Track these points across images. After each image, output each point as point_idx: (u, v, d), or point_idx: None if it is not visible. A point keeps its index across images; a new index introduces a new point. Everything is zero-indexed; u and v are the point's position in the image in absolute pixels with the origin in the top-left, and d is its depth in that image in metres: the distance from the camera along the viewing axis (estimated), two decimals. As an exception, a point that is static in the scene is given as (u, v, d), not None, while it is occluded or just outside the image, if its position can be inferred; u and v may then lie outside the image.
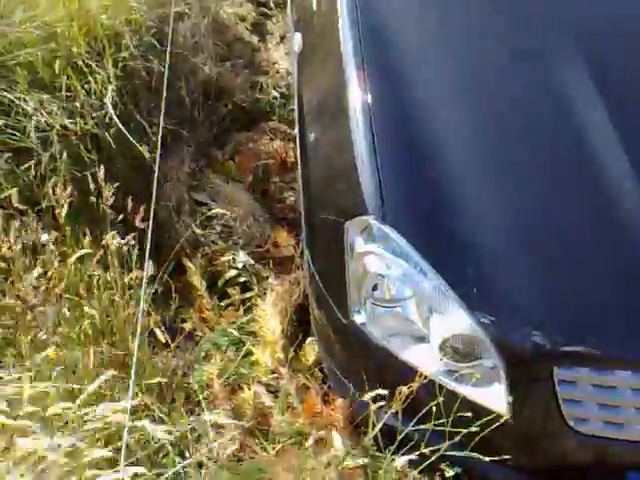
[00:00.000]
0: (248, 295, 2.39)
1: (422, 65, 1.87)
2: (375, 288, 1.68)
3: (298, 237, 2.61)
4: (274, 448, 1.81)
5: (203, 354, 2.15)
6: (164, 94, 2.72)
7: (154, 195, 2.11)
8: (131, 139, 2.42)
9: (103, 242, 2.07)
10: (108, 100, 2.34)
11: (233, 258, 2.48)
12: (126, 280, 2.11)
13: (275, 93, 3.18)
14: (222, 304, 2.37)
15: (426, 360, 1.63)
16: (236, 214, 2.60)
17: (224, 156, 2.87)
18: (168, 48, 2.71)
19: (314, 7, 2.29)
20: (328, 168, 1.91)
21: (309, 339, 2.06)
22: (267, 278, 2.49)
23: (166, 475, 1.62)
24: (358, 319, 1.71)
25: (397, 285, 1.65)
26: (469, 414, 1.55)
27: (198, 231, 2.58)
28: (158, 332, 1.96)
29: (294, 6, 2.89)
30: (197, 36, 3.05)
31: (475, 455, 1.56)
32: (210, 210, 2.61)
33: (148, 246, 2.01)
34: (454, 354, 1.61)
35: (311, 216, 1.95)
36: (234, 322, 2.28)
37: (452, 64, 1.88)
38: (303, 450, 1.72)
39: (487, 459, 1.56)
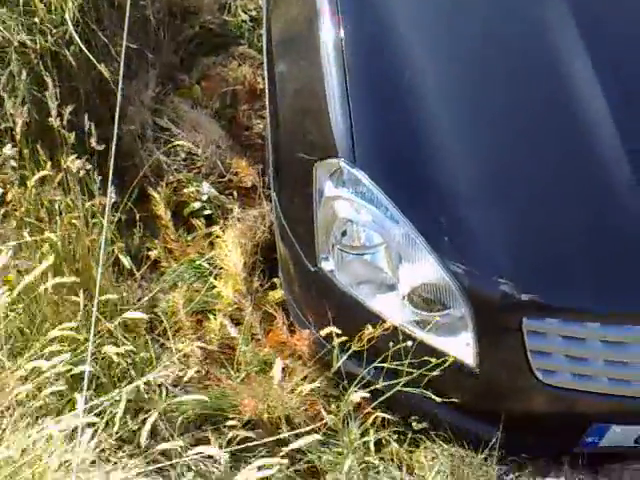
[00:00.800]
0: (213, 229, 2.36)
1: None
2: (344, 234, 1.65)
3: (262, 167, 2.57)
4: (239, 377, 1.82)
5: (168, 285, 2.12)
6: (127, 12, 2.62)
7: (117, 118, 2.03)
8: (92, 59, 2.31)
9: (64, 165, 2.01)
10: (68, 16, 2.22)
11: (197, 190, 2.43)
12: (87, 205, 2.06)
13: (244, 16, 3.06)
14: (188, 237, 2.34)
15: (393, 308, 1.62)
16: (199, 141, 2.54)
17: (190, 80, 2.77)
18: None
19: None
20: (297, 105, 1.85)
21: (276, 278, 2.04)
22: (232, 210, 2.45)
23: (125, 389, 1.60)
24: (326, 266, 1.68)
25: (366, 232, 1.62)
26: (432, 360, 1.55)
27: (162, 158, 2.51)
28: (123, 259, 1.92)
29: None
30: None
31: (428, 394, 1.57)
32: (174, 136, 2.54)
33: (111, 170, 1.95)
34: (422, 303, 1.60)
35: (279, 154, 1.90)
36: (201, 254, 2.26)
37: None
38: (268, 378, 1.72)
39: (439, 400, 1.57)
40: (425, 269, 1.56)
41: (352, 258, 1.66)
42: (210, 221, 2.41)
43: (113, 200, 2.02)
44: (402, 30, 1.74)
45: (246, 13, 3.10)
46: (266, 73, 2.12)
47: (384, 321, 1.57)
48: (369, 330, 1.54)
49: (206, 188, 2.44)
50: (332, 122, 1.65)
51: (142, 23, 2.72)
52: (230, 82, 2.75)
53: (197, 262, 2.24)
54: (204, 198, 2.42)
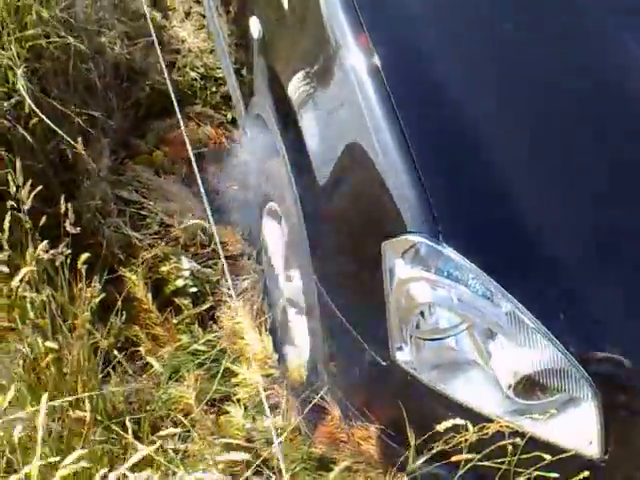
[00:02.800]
0: (204, 307, 2.10)
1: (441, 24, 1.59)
2: (422, 319, 1.40)
3: (244, 233, 2.34)
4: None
5: (165, 377, 1.84)
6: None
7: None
8: (55, 128, 2.05)
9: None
10: (21, 86, 1.95)
11: (176, 267, 2.17)
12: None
13: (193, 74, 2.86)
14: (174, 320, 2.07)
15: (489, 400, 1.39)
16: (173, 211, 2.29)
17: (147, 146, 2.53)
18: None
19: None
20: (341, 176, 1.54)
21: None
22: (217, 282, 2.21)
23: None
24: (401, 357, 1.42)
25: (451, 314, 1.38)
26: (546, 458, 1.30)
27: (132, 233, 2.25)
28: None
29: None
30: (100, 13, 2.68)
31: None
32: (143, 208, 2.29)
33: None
34: (528, 390, 1.36)
35: (321, 236, 1.60)
36: (194, 337, 1.99)
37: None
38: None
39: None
40: (536, 352, 1.33)
41: (433, 345, 1.41)
42: (196, 298, 2.16)
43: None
44: (453, 59, 1.52)
45: (194, 71, 2.90)
46: (281, 139, 1.76)
47: (476, 414, 1.34)
48: (469, 430, 1.29)
49: (186, 263, 2.19)
50: (395, 189, 1.39)
51: (88, 89, 2.47)
52: (193, 144, 2.53)
53: (192, 346, 1.97)
54: (186, 274, 2.16)
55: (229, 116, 2.80)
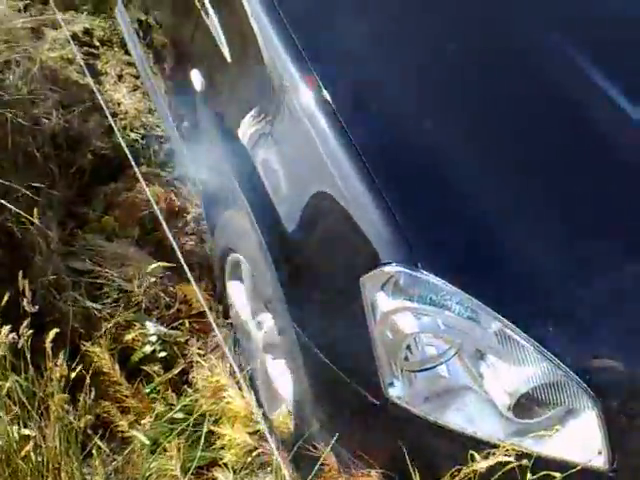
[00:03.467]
0: (177, 371, 2.01)
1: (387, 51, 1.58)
2: (409, 350, 1.35)
3: (207, 288, 2.27)
4: None
5: (146, 452, 1.73)
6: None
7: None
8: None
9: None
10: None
11: (141, 332, 2.08)
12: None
13: (134, 135, 2.80)
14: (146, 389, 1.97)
15: (489, 424, 1.34)
16: (131, 275, 2.21)
17: (95, 212, 2.45)
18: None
19: (218, 36, 1.86)
20: (310, 219, 1.50)
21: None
22: (186, 342, 2.12)
23: None
24: (393, 393, 1.37)
25: (438, 341, 1.34)
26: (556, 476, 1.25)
27: (90, 305, 2.15)
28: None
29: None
30: (32, 84, 2.61)
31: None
32: (97, 278, 2.19)
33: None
34: (524, 409, 1.32)
35: (295, 279, 1.54)
36: (169, 404, 1.89)
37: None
38: None
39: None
40: (532, 368, 1.30)
41: (425, 376, 1.36)
42: (166, 363, 2.07)
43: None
44: (403, 84, 1.51)
45: (133, 131, 2.84)
46: (238, 183, 1.71)
47: (478, 442, 1.28)
48: (475, 460, 1.23)
49: (152, 327, 2.10)
50: (367, 224, 1.37)
51: (28, 162, 2.39)
52: (143, 205, 2.46)
53: (168, 414, 1.87)
54: (153, 339, 2.07)
55: (175, 173, 2.75)
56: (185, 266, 1.90)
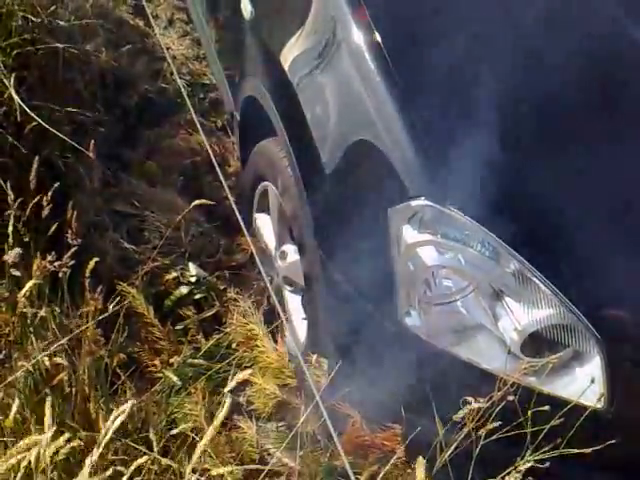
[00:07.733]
0: (208, 314, 2.02)
1: None
2: (430, 283, 1.40)
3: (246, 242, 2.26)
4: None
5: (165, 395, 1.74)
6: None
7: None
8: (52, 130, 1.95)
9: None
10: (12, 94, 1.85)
11: (181, 274, 2.09)
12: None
13: (180, 82, 2.78)
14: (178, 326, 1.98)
15: (498, 360, 1.37)
16: (174, 222, 2.20)
17: (139, 156, 2.44)
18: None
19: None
20: (345, 151, 1.54)
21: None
22: (224, 290, 2.13)
23: None
24: (409, 322, 1.41)
25: (458, 277, 1.39)
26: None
27: (129, 246, 2.16)
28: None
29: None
30: (84, 19, 2.59)
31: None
32: (144, 221, 2.20)
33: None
34: (534, 348, 1.37)
35: (325, 211, 1.58)
36: (197, 349, 1.90)
37: None
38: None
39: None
40: (545, 309, 1.34)
41: (442, 310, 1.41)
42: (200, 310, 2.08)
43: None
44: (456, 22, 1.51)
45: (182, 78, 2.82)
46: (278, 113, 1.72)
47: (488, 375, 1.33)
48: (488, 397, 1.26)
49: (193, 269, 2.11)
50: (400, 158, 1.40)
51: (74, 98, 2.38)
52: (185, 154, 2.45)
53: (194, 360, 1.88)
54: (192, 280, 2.08)
55: (219, 123, 2.74)
56: (236, 209, 1.88)
